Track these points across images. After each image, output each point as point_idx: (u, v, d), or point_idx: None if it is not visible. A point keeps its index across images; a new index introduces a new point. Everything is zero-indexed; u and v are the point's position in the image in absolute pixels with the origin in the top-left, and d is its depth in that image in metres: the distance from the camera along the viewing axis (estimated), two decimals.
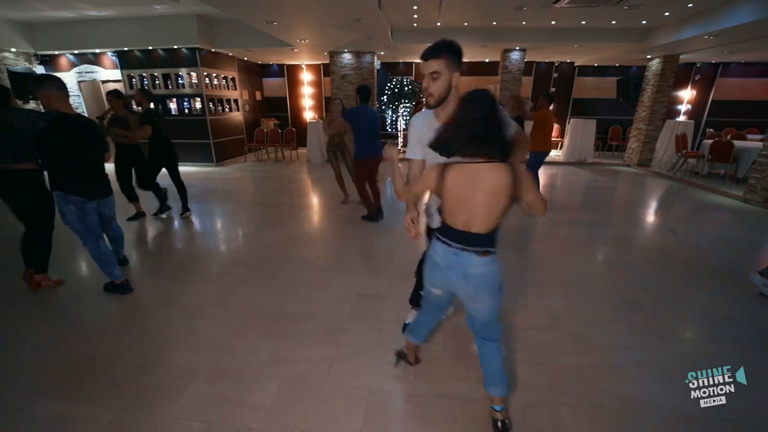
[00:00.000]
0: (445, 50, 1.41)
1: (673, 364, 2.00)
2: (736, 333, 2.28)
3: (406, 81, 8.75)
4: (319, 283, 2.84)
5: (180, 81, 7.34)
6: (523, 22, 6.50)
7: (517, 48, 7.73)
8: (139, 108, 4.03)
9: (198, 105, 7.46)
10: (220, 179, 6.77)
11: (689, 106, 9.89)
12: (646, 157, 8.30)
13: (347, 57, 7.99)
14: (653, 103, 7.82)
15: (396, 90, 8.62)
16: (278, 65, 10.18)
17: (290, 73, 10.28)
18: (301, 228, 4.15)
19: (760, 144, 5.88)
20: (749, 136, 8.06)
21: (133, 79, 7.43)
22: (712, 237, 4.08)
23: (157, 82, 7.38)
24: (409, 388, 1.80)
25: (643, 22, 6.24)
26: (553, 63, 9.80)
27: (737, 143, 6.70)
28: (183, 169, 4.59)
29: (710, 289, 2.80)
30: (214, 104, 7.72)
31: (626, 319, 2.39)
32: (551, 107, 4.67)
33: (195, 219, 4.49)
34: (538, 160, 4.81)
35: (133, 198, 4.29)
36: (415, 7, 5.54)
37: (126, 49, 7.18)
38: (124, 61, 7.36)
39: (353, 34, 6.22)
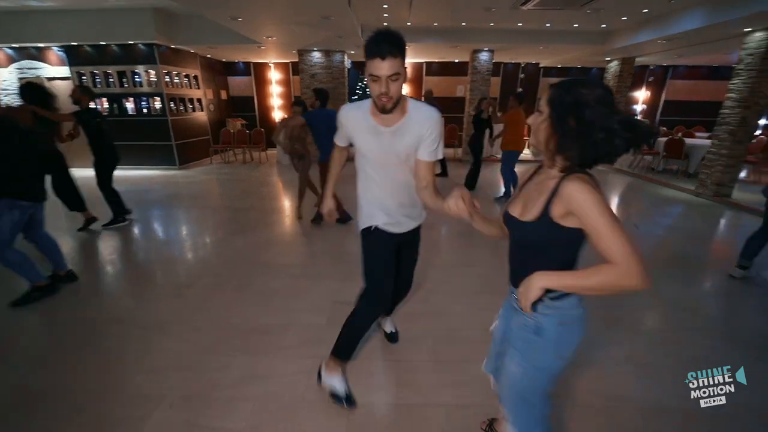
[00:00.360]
0: (402, 46, 1.20)
1: (649, 356, 2.06)
2: (702, 322, 2.40)
3: None
4: (292, 291, 2.71)
5: (137, 79, 6.87)
6: (491, 24, 6.62)
7: (486, 49, 7.88)
8: (77, 106, 3.61)
9: (158, 105, 7.02)
10: (184, 183, 6.41)
11: (644, 106, 10.53)
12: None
13: (317, 55, 7.81)
14: None
15: (368, 90, 8.54)
16: (244, 63, 9.81)
17: (257, 71, 9.93)
18: (272, 233, 3.98)
19: (708, 141, 6.32)
20: (697, 134, 8.69)
21: (84, 77, 6.87)
22: (670, 229, 4.32)
23: (111, 79, 6.86)
24: (393, 398, 1.73)
25: (603, 26, 6.53)
26: (519, 64, 10.09)
27: (688, 141, 7.18)
28: (143, 172, 4.29)
29: (674, 280, 2.94)
30: (175, 104, 7.29)
31: (597, 314, 2.46)
32: (522, 107, 4.78)
33: (157, 226, 4.20)
34: (512, 158, 4.92)
35: (75, 206, 3.84)
36: (385, 6, 5.48)
37: (75, 44, 6.62)
38: (73, 57, 6.78)
39: (323, 32, 6.07)
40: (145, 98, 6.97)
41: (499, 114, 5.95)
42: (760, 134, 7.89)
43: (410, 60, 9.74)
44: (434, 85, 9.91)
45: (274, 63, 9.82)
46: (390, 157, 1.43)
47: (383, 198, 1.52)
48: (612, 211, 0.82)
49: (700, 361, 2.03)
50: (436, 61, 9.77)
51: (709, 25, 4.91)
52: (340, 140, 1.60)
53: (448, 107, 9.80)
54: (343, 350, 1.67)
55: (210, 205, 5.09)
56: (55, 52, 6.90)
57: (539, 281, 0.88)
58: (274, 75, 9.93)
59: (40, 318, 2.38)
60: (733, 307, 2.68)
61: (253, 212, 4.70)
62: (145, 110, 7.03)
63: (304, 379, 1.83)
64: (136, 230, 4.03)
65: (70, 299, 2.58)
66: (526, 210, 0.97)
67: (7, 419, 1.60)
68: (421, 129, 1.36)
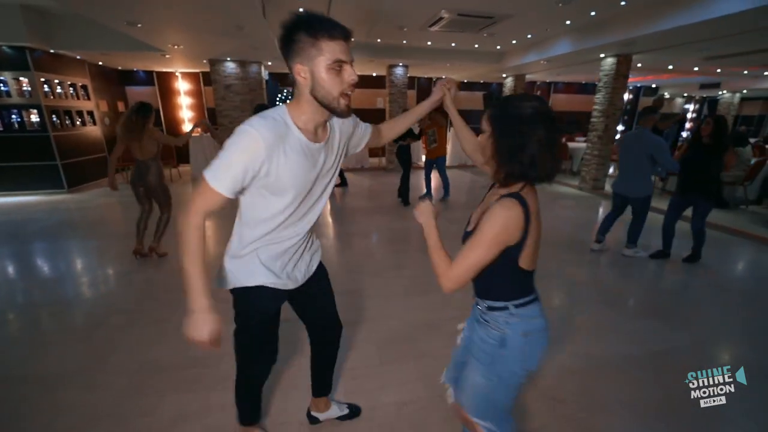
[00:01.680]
0: None
1: (559, 329, 2.43)
2: (595, 292, 2.91)
3: None
4: (225, 316, 2.55)
5: (3, 88, 5.73)
6: (404, 41, 7.09)
7: (401, 64, 8.38)
8: None
9: (35, 118, 5.94)
10: (77, 208, 5.51)
11: None
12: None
13: (231, 66, 7.45)
14: None
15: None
16: (146, 72, 8.87)
17: (161, 81, 9.06)
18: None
19: (584, 145, 7.63)
20: (577, 139, 10.40)
21: None
22: (559, 218, 5.11)
23: None
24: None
25: (498, 47, 7.47)
26: (431, 78, 10.93)
27: (570, 144, 8.57)
28: (20, 199, 3.60)
29: (561, 259, 3.51)
30: (59, 117, 6.25)
31: None
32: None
33: (43, 263, 3.56)
34: (444, 162, 5.78)
35: None
36: None
37: None
38: None
39: (235, 41, 5.84)
40: (15, 111, 5.84)
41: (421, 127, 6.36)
42: (619, 137, 9.80)
43: None
44: (355, 97, 10.05)
45: (181, 72, 9.07)
46: (321, 184, 1.13)
47: (295, 248, 1.18)
48: (491, 245, 0.91)
49: (586, 327, 2.47)
50: (357, 73, 10.05)
51: (574, 51, 5.99)
52: (224, 190, 0.95)
53: (369, 118, 10.13)
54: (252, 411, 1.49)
55: (113, 232, 4.47)
56: None
57: (424, 220, 1.06)
58: (182, 85, 9.17)
59: None
60: (607, 277, 3.30)
61: (167, 236, 4.26)
62: (16, 125, 5.89)
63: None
64: (11, 270, 3.36)
65: None
66: (473, 223, 1.06)
67: None
68: (343, 125, 1.17)
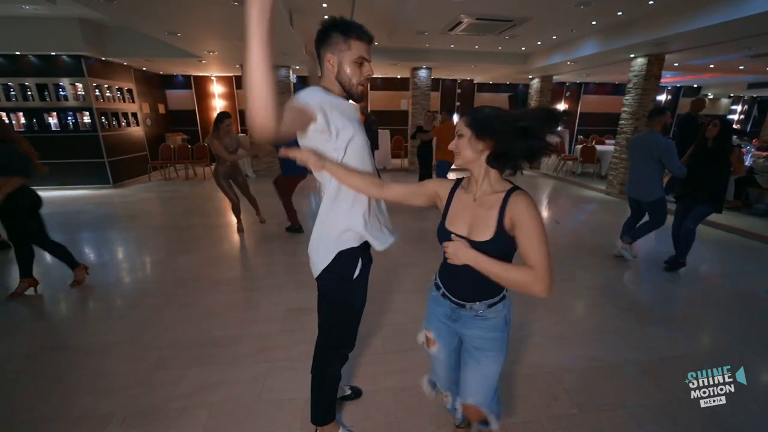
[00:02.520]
0: None
1: (566, 331, 2.45)
2: (608, 297, 2.89)
3: None
4: (244, 304, 2.77)
5: (61, 92, 6.37)
6: (426, 45, 7.17)
7: (424, 66, 8.46)
8: None
9: (87, 120, 6.55)
10: (121, 202, 6.03)
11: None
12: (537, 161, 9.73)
13: None
14: None
15: None
16: (184, 76, 9.48)
17: (198, 84, 9.64)
18: (220, 249, 3.96)
19: (612, 148, 7.37)
20: (607, 141, 10.03)
21: None
22: (584, 224, 5.00)
23: (29, 92, 6.29)
24: (343, 390, 1.90)
25: (523, 48, 7.39)
26: (456, 80, 10.92)
27: (599, 147, 8.30)
28: (71, 192, 4.02)
29: (584, 264, 3.47)
30: (107, 119, 6.85)
31: (522, 298, 2.84)
32: (454, 120, 5.28)
33: (92, 250, 3.96)
34: (446, 167, 5.36)
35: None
36: None
37: None
38: None
39: None
40: (71, 113, 6.47)
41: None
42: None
43: None
44: (379, 99, 10.37)
45: (216, 76, 9.61)
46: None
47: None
48: (544, 227, 0.98)
49: (602, 330, 2.47)
50: (380, 76, 10.23)
51: (601, 51, 5.83)
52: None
53: (392, 120, 10.29)
54: (329, 411, 1.49)
55: (151, 224, 4.87)
56: None
57: (469, 257, 1.01)
58: (217, 88, 9.71)
59: None
60: (622, 282, 3.24)
61: (199, 229, 4.60)
62: (71, 125, 6.52)
63: (260, 382, 1.93)
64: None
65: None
66: (478, 229, 1.04)
67: None
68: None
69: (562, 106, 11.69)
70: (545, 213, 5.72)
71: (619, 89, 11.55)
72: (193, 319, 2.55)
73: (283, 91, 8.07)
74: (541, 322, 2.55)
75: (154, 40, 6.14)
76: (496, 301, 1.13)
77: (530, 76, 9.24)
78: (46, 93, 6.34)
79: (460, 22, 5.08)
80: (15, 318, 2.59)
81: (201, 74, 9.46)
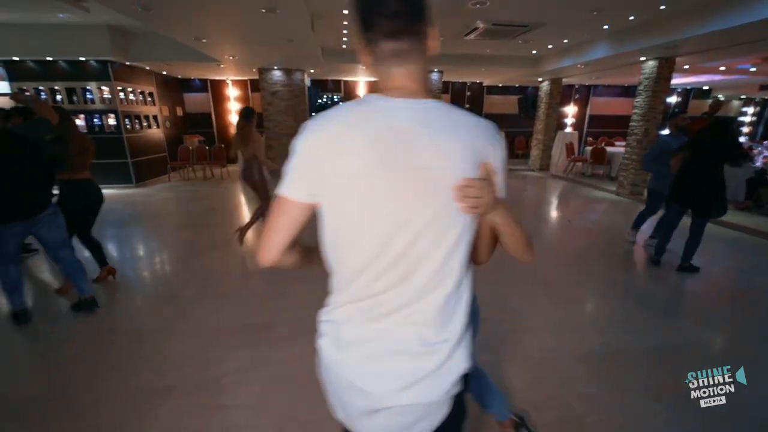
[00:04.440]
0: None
1: (579, 319, 2.59)
2: (621, 291, 3.02)
3: (337, 98, 9.11)
4: (278, 293, 2.95)
5: (88, 96, 6.65)
6: (440, 49, 7.34)
7: (435, 70, 8.63)
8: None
9: (112, 121, 6.82)
10: (143, 201, 6.26)
11: (574, 119, 11.98)
12: (546, 162, 9.83)
13: (278, 74, 8.06)
14: (546, 117, 9.37)
15: (326, 107, 8.94)
16: (201, 80, 9.75)
17: (214, 88, 9.91)
18: (246, 244, 4.14)
19: (623, 149, 7.47)
20: (617, 143, 10.11)
21: (27, 93, 6.50)
22: (595, 223, 5.12)
23: (59, 96, 6.57)
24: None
25: (534, 52, 7.53)
26: (465, 83, 11.07)
27: (609, 149, 8.39)
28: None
29: (594, 260, 3.60)
30: (130, 121, 7.12)
31: (537, 290, 2.98)
32: None
33: (126, 245, 4.17)
34: None
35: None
36: (344, 31, 5.94)
37: (16, 58, 6.29)
38: (14, 72, 6.42)
39: (285, 52, 6.37)
40: (98, 115, 6.74)
41: None
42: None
43: (367, 79, 10.30)
44: None
45: (232, 80, 9.87)
46: None
47: None
48: None
49: (615, 320, 2.60)
50: None
51: (612, 55, 5.96)
52: None
53: None
54: None
55: (177, 222, 5.09)
56: None
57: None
58: (232, 92, 9.97)
59: (40, 332, 2.40)
60: (637, 277, 3.36)
61: (223, 227, 4.79)
62: (97, 127, 6.79)
63: (304, 360, 2.09)
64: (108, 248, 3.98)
65: (64, 313, 2.60)
66: None
67: (23, 424, 1.70)
68: None
69: (571, 109, 11.79)
70: (555, 212, 5.84)
71: (628, 91, 11.60)
72: (230, 307, 2.72)
73: (298, 94, 8.29)
74: (557, 312, 2.68)
75: (175, 45, 6.39)
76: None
77: (540, 79, 9.37)
78: (74, 96, 6.62)
79: (476, 28, 5.25)
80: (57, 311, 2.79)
81: (217, 78, 9.73)
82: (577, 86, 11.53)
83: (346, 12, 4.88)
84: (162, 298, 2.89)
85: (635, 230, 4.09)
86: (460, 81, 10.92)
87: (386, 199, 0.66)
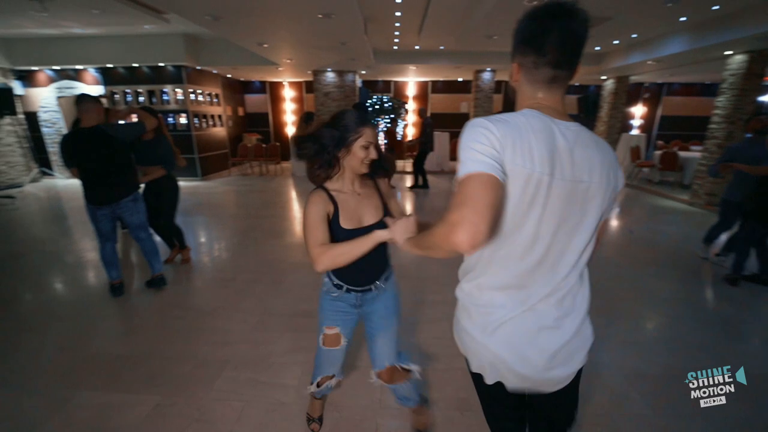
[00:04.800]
0: None
1: (636, 336, 2.40)
2: (687, 309, 2.74)
3: (386, 99, 9.23)
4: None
5: (165, 97, 7.43)
6: (493, 48, 7.13)
7: (488, 69, 8.40)
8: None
9: (183, 120, 7.56)
10: (207, 193, 6.86)
11: (641, 121, 10.98)
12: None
13: (330, 75, 8.37)
14: (609, 118, 8.69)
15: (377, 106, 9.09)
16: (261, 82, 10.42)
17: (272, 89, 10.54)
18: (296, 237, 4.38)
19: (698, 155, 6.71)
20: (693, 148, 9.08)
21: (116, 95, 7.44)
22: (661, 234, 4.67)
23: (141, 98, 7.43)
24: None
25: (597, 48, 7.03)
26: None
27: (682, 153, 7.58)
28: None
29: (659, 276, 3.29)
30: (199, 120, 7.83)
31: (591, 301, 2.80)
32: None
33: (192, 232, 4.61)
34: None
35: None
36: (396, 33, 6.02)
37: (110, 65, 7.22)
38: (108, 77, 7.38)
39: (338, 55, 6.61)
40: (171, 115, 7.51)
41: None
42: None
43: (416, 79, 10.31)
44: (438, 101, 10.46)
45: (288, 82, 10.43)
46: None
47: None
48: None
49: (679, 341, 2.38)
50: (440, 79, 10.33)
51: (691, 49, 5.37)
52: None
53: (452, 123, 10.32)
54: None
55: (237, 214, 5.51)
56: (91, 73, 7.50)
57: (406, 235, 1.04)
58: (288, 93, 10.53)
59: (117, 304, 2.77)
60: (708, 296, 3.02)
61: (276, 219, 5.11)
62: (171, 126, 7.57)
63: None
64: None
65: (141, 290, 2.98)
66: (369, 215, 1.22)
67: (110, 376, 1.98)
68: None
69: (639, 109, 10.81)
70: (615, 221, 5.41)
71: (709, 90, 10.38)
72: (281, 294, 2.91)
73: (349, 94, 8.54)
74: (614, 327, 2.51)
75: (239, 51, 6.91)
76: (389, 273, 1.38)
77: (603, 77, 8.72)
78: (153, 98, 7.44)
79: None
80: (135, 284, 3.17)
81: (275, 80, 10.34)
82: (647, 84, 10.56)
83: (398, 14, 4.95)
84: (220, 282, 3.17)
85: (708, 245, 3.68)
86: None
87: (552, 202, 0.77)
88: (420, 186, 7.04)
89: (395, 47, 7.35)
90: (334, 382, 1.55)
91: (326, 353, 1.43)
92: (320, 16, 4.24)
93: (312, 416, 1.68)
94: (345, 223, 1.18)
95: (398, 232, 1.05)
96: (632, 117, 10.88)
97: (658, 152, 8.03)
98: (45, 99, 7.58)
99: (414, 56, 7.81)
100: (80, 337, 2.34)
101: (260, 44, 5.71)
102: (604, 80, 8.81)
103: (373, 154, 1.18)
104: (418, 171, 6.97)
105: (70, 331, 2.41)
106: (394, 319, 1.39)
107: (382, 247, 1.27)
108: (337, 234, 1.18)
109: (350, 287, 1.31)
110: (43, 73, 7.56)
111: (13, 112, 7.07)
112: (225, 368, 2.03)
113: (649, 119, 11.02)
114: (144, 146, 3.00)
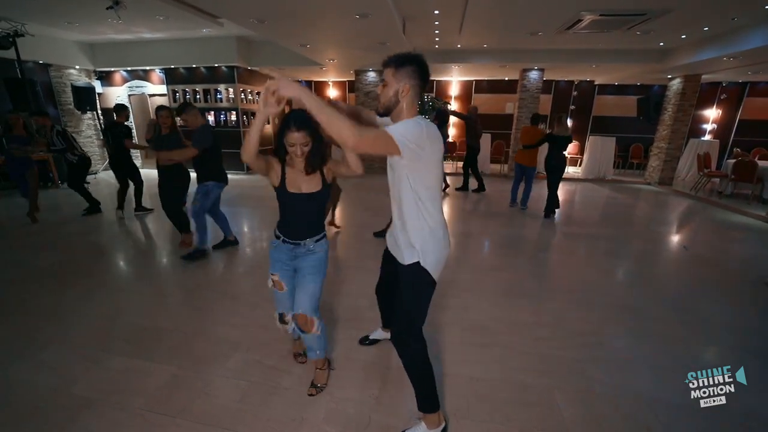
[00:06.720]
0: (394, 62, 1.32)
1: (672, 361, 2.16)
2: (732, 339, 2.41)
3: (427, 98, 9.14)
4: (340, 279, 3.14)
5: (218, 96, 8.01)
6: (540, 45, 6.77)
7: (536, 68, 7.99)
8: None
9: (233, 117, 8.09)
10: (250, 186, 7.29)
11: (715, 126, 9.78)
12: (668, 175, 8.26)
13: (371, 75, 8.48)
14: (674, 122, 7.84)
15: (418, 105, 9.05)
16: (306, 81, 10.84)
17: (317, 89, 10.91)
18: (330, 231, 4.48)
19: None
20: None
21: (177, 94, 8.16)
22: (728, 254, 4.13)
23: (198, 96, 8.08)
24: None
25: (661, 44, 6.39)
26: (572, 81, 9.97)
27: (761, 163, 6.62)
28: None
29: (719, 301, 2.92)
30: (247, 117, 8.34)
31: (622, 318, 2.56)
32: (540, 126, 5.34)
33: (233, 221, 4.93)
34: (531, 173, 5.48)
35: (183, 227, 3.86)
36: (437, 32, 5.94)
37: (173, 66, 7.94)
38: (170, 77, 8.12)
39: (379, 55, 6.67)
40: (223, 112, 8.08)
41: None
42: None
43: (459, 78, 10.09)
44: (483, 102, 10.13)
45: (332, 81, 10.73)
46: None
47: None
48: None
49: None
50: (486, 79, 10.01)
51: None
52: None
53: (496, 124, 9.96)
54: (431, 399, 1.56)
55: (274, 206, 5.77)
56: (157, 73, 8.30)
57: (294, 89, 1.17)
58: (332, 92, 10.83)
59: (148, 283, 3.06)
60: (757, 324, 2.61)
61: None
62: (222, 122, 8.14)
63: (353, 342, 2.22)
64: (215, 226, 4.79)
65: (171, 269, 3.25)
66: (310, 187, 1.62)
67: (137, 345, 2.19)
68: None
69: (713, 112, 9.65)
70: (669, 235, 4.89)
71: None
72: None
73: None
74: (642, 348, 2.27)
75: (286, 52, 7.25)
76: (320, 237, 1.73)
77: (669, 76, 7.90)
78: (208, 96, 8.05)
79: (579, 20, 4.70)
80: (182, 266, 3.45)
81: (320, 79, 10.69)
82: (724, 84, 9.39)
83: (437, 12, 4.88)
84: (247, 268, 3.35)
85: None
86: (565, 80, 9.90)
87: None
88: (475, 189, 6.88)
89: (436, 46, 7.25)
90: (289, 318, 1.83)
91: (276, 294, 1.79)
92: (357, 16, 4.31)
93: (298, 352, 2.09)
94: (289, 188, 1.62)
95: (284, 81, 1.19)
96: (705, 121, 9.74)
97: (731, 161, 7.11)
98: (119, 97, 8.52)
99: (455, 55, 7.65)
100: (122, 309, 2.61)
101: (303, 45, 5.94)
102: (670, 79, 7.98)
103: (299, 152, 1.53)
104: (473, 173, 6.82)
105: (122, 302, 2.70)
106: (315, 277, 1.71)
107: (314, 215, 1.70)
108: (282, 196, 1.64)
109: (285, 239, 1.70)
110: (119, 73, 8.50)
111: (94, 108, 8.04)
112: (237, 349, 2.15)
113: (725, 123, 9.78)
114: (163, 139, 3.54)
